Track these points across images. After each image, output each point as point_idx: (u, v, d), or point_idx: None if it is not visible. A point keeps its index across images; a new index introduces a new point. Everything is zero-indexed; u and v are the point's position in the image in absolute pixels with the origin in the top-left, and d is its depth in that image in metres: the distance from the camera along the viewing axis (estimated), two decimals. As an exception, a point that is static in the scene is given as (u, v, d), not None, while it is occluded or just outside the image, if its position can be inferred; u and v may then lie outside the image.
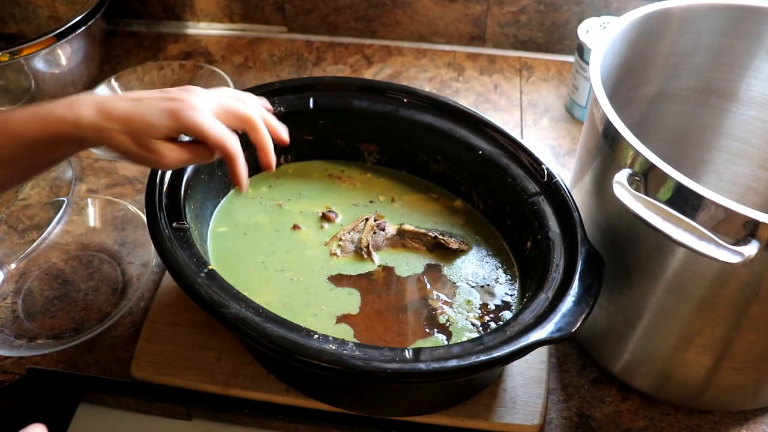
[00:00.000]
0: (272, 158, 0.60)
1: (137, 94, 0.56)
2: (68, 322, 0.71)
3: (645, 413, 0.65)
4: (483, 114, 0.71)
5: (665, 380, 0.63)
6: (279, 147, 0.74)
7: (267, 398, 0.63)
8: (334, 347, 0.51)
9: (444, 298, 0.65)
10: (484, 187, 0.71)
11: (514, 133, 0.69)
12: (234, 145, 0.56)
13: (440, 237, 0.68)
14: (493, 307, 0.64)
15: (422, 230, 0.69)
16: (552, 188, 0.64)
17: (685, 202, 0.48)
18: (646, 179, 0.51)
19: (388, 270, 0.67)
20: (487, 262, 0.68)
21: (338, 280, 0.66)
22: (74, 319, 0.71)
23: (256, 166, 0.75)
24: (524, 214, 0.65)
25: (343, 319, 0.62)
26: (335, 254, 0.68)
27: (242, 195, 0.73)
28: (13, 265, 0.76)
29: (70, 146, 0.56)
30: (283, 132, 0.62)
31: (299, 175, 0.76)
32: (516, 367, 0.64)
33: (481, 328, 0.62)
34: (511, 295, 0.65)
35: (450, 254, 0.68)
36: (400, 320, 0.62)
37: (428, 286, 0.66)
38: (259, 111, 0.59)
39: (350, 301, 0.64)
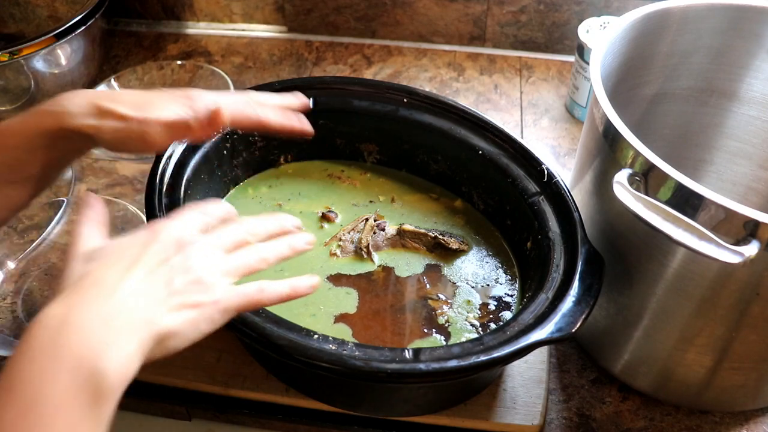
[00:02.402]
0: (294, 122, 0.61)
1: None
2: (68, 322, 0.70)
3: (645, 413, 0.65)
4: (483, 114, 0.71)
5: (665, 380, 0.63)
6: (279, 146, 0.75)
7: (267, 398, 0.63)
8: (333, 347, 0.51)
9: (444, 298, 0.65)
10: (484, 187, 0.71)
11: (514, 133, 0.69)
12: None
13: (440, 237, 0.68)
14: (493, 308, 0.64)
15: (422, 230, 0.69)
16: (552, 188, 0.64)
17: (685, 202, 0.48)
18: (646, 179, 0.51)
19: (387, 270, 0.67)
20: (487, 262, 0.68)
21: (337, 279, 0.66)
22: (74, 319, 0.71)
23: (256, 166, 0.75)
24: (524, 214, 0.65)
25: (341, 318, 0.62)
26: (335, 254, 0.68)
27: (242, 195, 0.73)
28: (12, 265, 0.76)
29: (63, 143, 0.53)
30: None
31: (299, 175, 0.76)
32: (516, 367, 0.64)
33: (480, 329, 0.62)
34: (511, 295, 0.65)
35: (450, 254, 0.68)
36: (399, 320, 0.62)
37: (428, 286, 0.66)
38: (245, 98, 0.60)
39: (348, 300, 0.64)
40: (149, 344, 0.41)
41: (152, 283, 0.43)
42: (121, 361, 0.39)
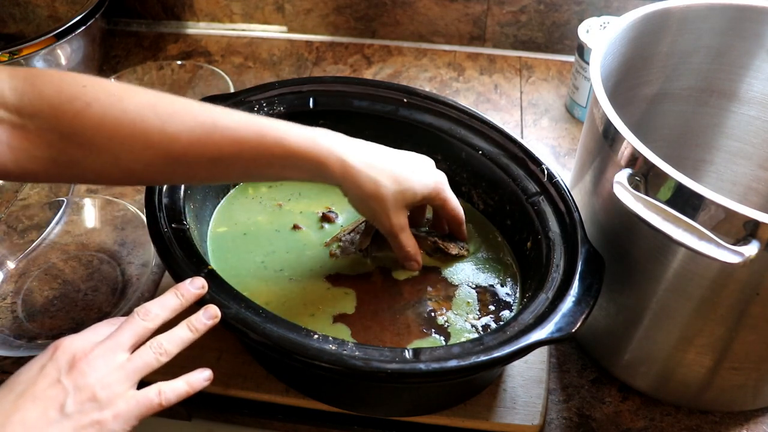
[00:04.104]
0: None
1: (386, 155, 0.60)
2: (68, 322, 0.71)
3: (645, 413, 0.65)
4: (483, 114, 0.71)
5: (665, 380, 0.63)
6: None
7: (267, 398, 0.63)
8: (333, 347, 0.51)
9: (443, 298, 0.64)
10: (484, 187, 0.71)
11: (514, 133, 0.69)
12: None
13: (440, 242, 0.68)
14: (493, 308, 0.64)
15: (422, 234, 0.69)
16: (552, 188, 0.64)
17: (685, 202, 0.48)
18: (646, 179, 0.51)
19: (387, 271, 0.67)
20: (487, 263, 0.68)
21: (336, 279, 0.66)
22: (74, 319, 0.71)
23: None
24: (524, 214, 0.65)
25: (340, 318, 0.62)
26: (335, 255, 0.68)
27: (242, 195, 0.73)
28: (12, 265, 0.76)
29: (297, 173, 0.56)
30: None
31: (299, 175, 0.76)
32: (516, 367, 0.64)
33: (480, 329, 0.62)
34: (511, 295, 0.65)
35: (449, 259, 0.68)
36: (398, 320, 0.62)
37: (428, 287, 0.66)
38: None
39: (347, 300, 0.64)
40: None
41: (43, 410, 0.44)
42: None
